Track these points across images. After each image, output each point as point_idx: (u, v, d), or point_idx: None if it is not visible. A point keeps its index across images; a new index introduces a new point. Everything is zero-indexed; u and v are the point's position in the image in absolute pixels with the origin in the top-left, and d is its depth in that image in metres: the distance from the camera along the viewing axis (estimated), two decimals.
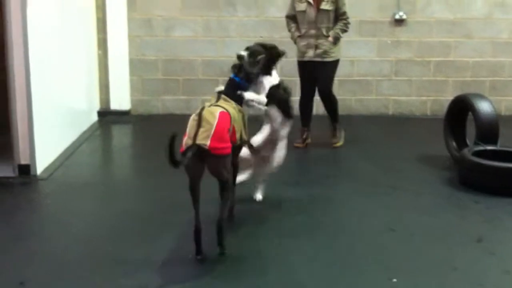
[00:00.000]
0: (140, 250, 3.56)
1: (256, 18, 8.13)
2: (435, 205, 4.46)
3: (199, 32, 8.10)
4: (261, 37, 7.64)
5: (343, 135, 6.46)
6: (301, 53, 6.25)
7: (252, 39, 8.05)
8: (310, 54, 6.14)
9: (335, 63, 6.32)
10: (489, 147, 4.99)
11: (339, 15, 6.12)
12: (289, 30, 6.33)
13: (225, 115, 3.49)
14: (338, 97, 8.01)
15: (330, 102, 6.48)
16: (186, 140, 3.32)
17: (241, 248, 3.60)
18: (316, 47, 6.09)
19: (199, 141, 3.27)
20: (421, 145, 6.38)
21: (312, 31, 6.07)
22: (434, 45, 8.21)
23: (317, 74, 6.22)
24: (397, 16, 7.99)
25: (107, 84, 7.88)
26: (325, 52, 6.11)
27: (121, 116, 7.70)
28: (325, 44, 6.08)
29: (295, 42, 6.29)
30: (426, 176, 5.17)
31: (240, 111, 3.75)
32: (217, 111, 3.47)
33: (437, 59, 8.23)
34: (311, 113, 6.49)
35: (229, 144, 3.45)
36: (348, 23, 6.21)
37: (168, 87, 8.13)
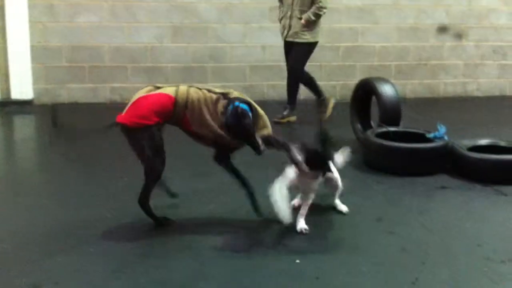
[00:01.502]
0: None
1: (166, 4, 7.95)
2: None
3: (105, 18, 7.82)
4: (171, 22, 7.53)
5: (330, 107, 6.95)
6: (281, 33, 6.76)
7: (163, 25, 7.96)
8: (285, 34, 6.64)
9: (306, 45, 6.60)
10: (391, 129, 5.13)
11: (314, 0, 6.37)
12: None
13: (161, 96, 3.37)
14: (251, 83, 8.06)
15: (290, 80, 6.88)
16: None
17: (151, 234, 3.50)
18: (290, 27, 6.52)
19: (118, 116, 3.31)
20: (330, 128, 6.45)
21: (289, 13, 6.49)
22: (343, 31, 8.38)
23: (290, 54, 6.66)
24: None
25: (7, 73, 7.47)
26: (296, 33, 6.50)
27: (23, 106, 7.32)
28: (297, 26, 6.45)
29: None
30: None
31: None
32: (153, 91, 3.41)
33: (346, 44, 8.41)
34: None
35: (146, 121, 3.29)
36: (322, 7, 6.41)
37: (73, 75, 7.82)
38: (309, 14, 6.39)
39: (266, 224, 3.70)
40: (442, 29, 8.59)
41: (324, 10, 6.43)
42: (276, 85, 8.16)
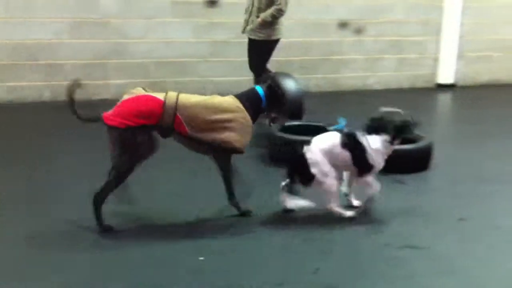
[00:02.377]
0: None
1: None
2: (247, 183, 4.53)
3: (0, 14, 7.38)
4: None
5: None
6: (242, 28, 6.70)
7: (61, 20, 7.62)
8: (243, 28, 6.63)
9: (261, 43, 6.50)
10: (294, 123, 5.20)
11: (274, 0, 6.23)
12: None
13: (148, 98, 3.39)
14: (155, 79, 7.91)
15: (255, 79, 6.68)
16: None
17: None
18: (247, 23, 6.52)
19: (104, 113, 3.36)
20: None
21: (250, 8, 6.46)
22: None
23: (248, 50, 6.67)
24: None
25: None
26: (253, 30, 6.44)
27: None
28: (254, 23, 6.38)
29: None
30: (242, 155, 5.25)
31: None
32: (141, 92, 3.47)
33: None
34: None
35: (127, 122, 3.30)
36: (281, 10, 6.29)
37: None
38: (266, 15, 6.31)
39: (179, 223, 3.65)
40: (343, 25, 8.86)
41: (282, 13, 6.37)
42: (181, 82, 8.06)
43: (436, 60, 9.54)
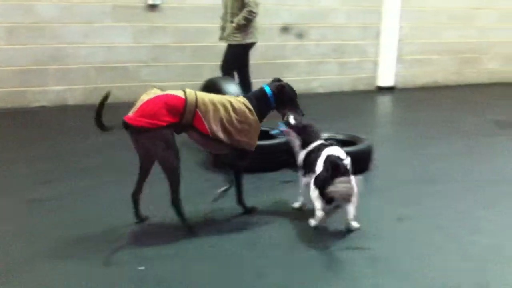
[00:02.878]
0: None
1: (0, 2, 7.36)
2: (187, 190, 4.47)
3: None
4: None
5: None
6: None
7: None
8: (220, 35, 6.72)
9: (237, 47, 6.61)
10: None
11: (244, 3, 6.33)
12: None
13: (169, 97, 3.39)
14: (97, 85, 7.76)
15: (239, 82, 6.70)
16: None
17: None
18: (224, 29, 6.61)
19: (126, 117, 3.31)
20: None
21: (225, 15, 6.55)
22: (190, 30, 8.36)
23: (225, 55, 6.73)
24: (150, 1, 7.95)
25: None
26: (229, 35, 6.55)
27: None
28: (230, 28, 6.48)
29: None
30: (183, 160, 5.19)
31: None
32: (159, 92, 3.43)
33: (194, 44, 8.40)
34: None
35: (157, 122, 3.28)
36: (252, 12, 6.37)
37: None
38: (239, 18, 6.40)
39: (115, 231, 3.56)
40: (285, 29, 8.94)
41: (254, 14, 6.43)
42: (124, 87, 7.91)
43: (376, 63, 9.77)
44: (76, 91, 7.90)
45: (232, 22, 6.46)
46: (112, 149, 5.60)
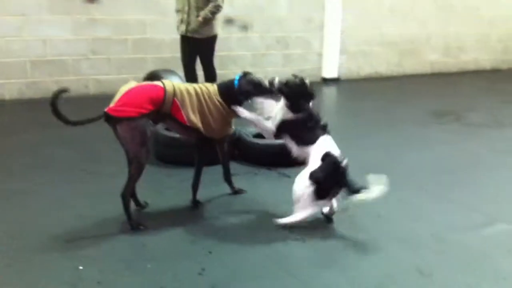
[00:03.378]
0: None
1: None
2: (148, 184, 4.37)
3: None
4: None
5: None
6: (177, 27, 6.59)
7: None
8: (182, 29, 6.47)
9: (208, 39, 6.53)
10: None
11: None
12: None
13: (151, 85, 3.48)
14: (34, 79, 7.46)
15: (205, 74, 6.81)
16: None
17: None
18: (188, 23, 6.37)
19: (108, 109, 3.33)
20: None
21: (186, 8, 6.34)
22: (131, 23, 8.15)
23: (191, 49, 6.56)
24: None
25: None
26: (195, 30, 6.38)
27: None
28: (195, 22, 6.31)
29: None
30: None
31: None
32: (136, 84, 3.47)
33: (135, 37, 8.20)
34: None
35: (141, 110, 3.32)
36: (219, 5, 6.27)
37: None
38: (206, 13, 6.26)
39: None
40: (229, 21, 8.84)
41: (220, 8, 6.33)
42: (61, 81, 7.64)
43: (320, 55, 9.82)
44: (11, 86, 7.56)
45: (198, 16, 6.30)
46: (49, 147, 5.39)
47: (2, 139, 5.70)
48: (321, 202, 3.54)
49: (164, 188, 4.31)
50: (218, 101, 3.66)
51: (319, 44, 9.77)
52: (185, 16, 6.42)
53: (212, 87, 3.71)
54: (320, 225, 3.62)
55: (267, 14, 9.23)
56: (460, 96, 8.67)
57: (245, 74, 3.89)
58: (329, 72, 9.93)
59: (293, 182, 4.47)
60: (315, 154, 3.59)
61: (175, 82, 3.62)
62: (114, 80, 8.02)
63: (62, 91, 3.29)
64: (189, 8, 6.36)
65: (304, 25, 9.55)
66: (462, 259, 3.20)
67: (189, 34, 6.48)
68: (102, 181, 4.42)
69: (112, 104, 3.36)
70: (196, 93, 3.60)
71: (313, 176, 3.49)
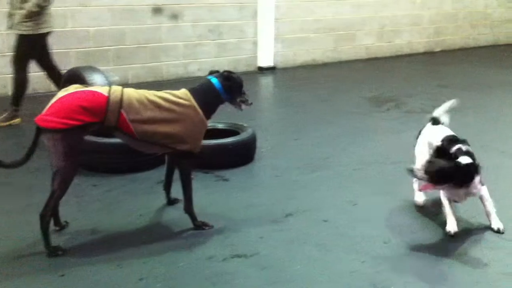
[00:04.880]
0: None
1: None
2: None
3: None
4: None
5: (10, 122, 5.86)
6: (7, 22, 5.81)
7: None
8: (9, 24, 5.73)
9: (27, 38, 5.59)
10: None
11: None
12: None
13: (88, 93, 2.99)
14: None
15: (14, 79, 5.87)
16: None
17: None
18: (12, 16, 5.62)
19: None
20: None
21: (13, 0, 5.58)
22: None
23: (17, 47, 5.71)
24: None
25: None
26: (18, 24, 5.55)
27: None
28: (19, 16, 5.50)
29: None
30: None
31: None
32: (79, 88, 3.03)
33: (56, 29, 7.55)
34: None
35: (71, 122, 2.86)
36: None
37: None
38: (30, 5, 5.42)
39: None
40: (157, 10, 8.34)
41: (47, 2, 5.54)
42: None
43: (255, 43, 9.48)
44: None
45: (22, 8, 5.48)
46: None
47: None
48: None
49: (87, 202, 3.85)
50: (193, 107, 3.19)
51: (254, 32, 9.42)
52: (11, 8, 5.64)
53: (182, 93, 3.23)
54: (265, 235, 3.29)
55: (197, 2, 8.77)
56: (397, 81, 8.58)
57: (222, 73, 3.50)
58: (265, 60, 9.60)
59: (231, 186, 4.16)
60: None
61: (128, 89, 3.11)
62: (34, 78, 7.40)
63: None
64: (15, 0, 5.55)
65: (237, 12, 9.16)
66: None
67: (14, 30, 5.66)
68: (18, 196, 3.94)
69: (43, 112, 2.93)
70: (155, 102, 3.11)
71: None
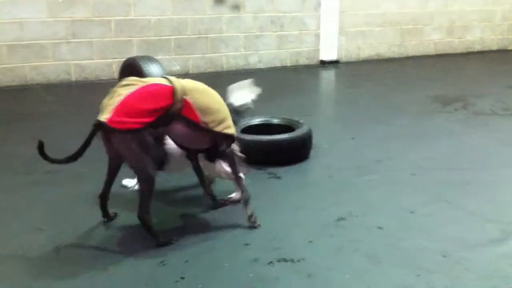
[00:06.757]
0: None
1: None
2: None
3: None
4: None
5: None
6: None
7: None
8: None
9: None
10: None
11: None
12: None
13: (155, 86, 2.93)
14: (10, 65, 7.02)
15: None
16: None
17: None
18: None
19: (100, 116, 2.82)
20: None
21: None
22: (112, 3, 7.58)
23: None
24: None
25: None
26: None
27: None
28: None
29: None
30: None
31: None
32: (139, 82, 2.94)
33: (117, 18, 7.64)
34: None
35: (142, 119, 2.82)
36: None
37: None
38: None
39: None
40: (219, 1, 8.28)
41: None
42: (39, 66, 7.14)
43: (317, 36, 9.26)
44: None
45: None
46: (12, 145, 4.90)
47: None
48: None
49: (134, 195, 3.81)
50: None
51: (316, 25, 9.20)
52: None
53: None
54: (314, 240, 3.13)
55: None
56: (466, 80, 8.15)
57: None
58: (328, 54, 9.38)
59: (282, 184, 4.02)
60: None
61: (181, 79, 3.10)
62: (97, 65, 7.52)
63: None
64: None
65: (299, 4, 8.97)
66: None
67: None
68: (68, 184, 3.95)
69: (108, 113, 2.82)
70: (205, 89, 3.14)
71: None
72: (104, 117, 2.81)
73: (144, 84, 2.96)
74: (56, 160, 2.90)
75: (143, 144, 2.90)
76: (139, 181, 3.02)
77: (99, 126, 2.83)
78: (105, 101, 2.91)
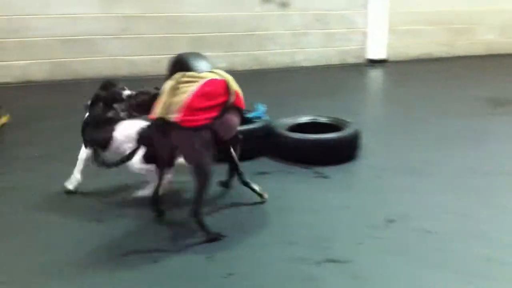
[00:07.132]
0: None
1: None
2: None
3: None
4: None
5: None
6: None
7: None
8: None
9: None
10: None
11: None
12: None
13: (213, 82, 3.04)
14: (60, 59, 7.18)
15: None
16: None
17: None
18: None
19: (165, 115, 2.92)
20: None
21: None
22: None
23: None
24: None
25: None
26: None
27: None
28: None
29: None
30: None
31: None
32: (194, 80, 2.99)
33: (168, 14, 7.74)
34: None
35: (210, 114, 2.95)
36: None
37: None
38: None
39: None
40: None
41: None
42: (90, 61, 7.31)
43: (365, 34, 9.15)
44: (40, 66, 7.25)
45: None
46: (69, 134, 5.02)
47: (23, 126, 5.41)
48: None
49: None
50: None
51: (364, 23, 9.09)
52: None
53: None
54: (361, 241, 3.10)
55: None
56: None
57: None
58: (376, 53, 9.25)
59: (330, 184, 3.99)
60: None
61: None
62: (144, 61, 7.64)
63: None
64: None
65: (346, 1, 8.87)
66: None
67: None
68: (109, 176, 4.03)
69: (177, 111, 2.89)
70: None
71: None
72: (173, 116, 2.88)
73: (205, 80, 3.02)
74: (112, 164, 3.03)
75: (205, 140, 2.97)
76: (197, 176, 3.04)
77: (165, 125, 2.91)
78: (167, 98, 2.95)
